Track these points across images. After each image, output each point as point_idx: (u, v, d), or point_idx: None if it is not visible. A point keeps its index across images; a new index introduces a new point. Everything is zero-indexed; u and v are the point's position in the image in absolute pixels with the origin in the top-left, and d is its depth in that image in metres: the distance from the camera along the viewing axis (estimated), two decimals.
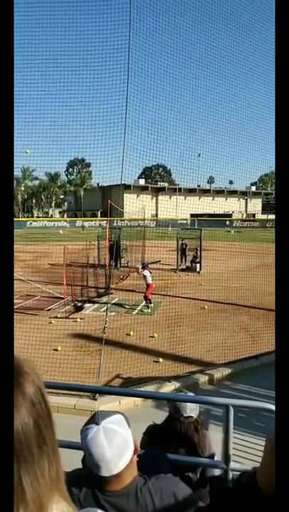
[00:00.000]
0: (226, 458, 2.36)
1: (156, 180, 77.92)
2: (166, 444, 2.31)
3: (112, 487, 1.19)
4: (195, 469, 2.39)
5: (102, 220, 43.88)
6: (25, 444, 0.65)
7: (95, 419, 1.22)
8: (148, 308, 11.46)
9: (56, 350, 7.75)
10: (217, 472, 2.43)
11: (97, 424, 1.19)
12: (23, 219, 56.07)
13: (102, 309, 10.97)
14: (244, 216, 61.26)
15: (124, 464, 1.17)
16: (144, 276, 11.75)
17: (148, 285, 11.64)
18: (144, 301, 11.65)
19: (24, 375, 0.69)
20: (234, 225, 50.57)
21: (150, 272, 11.97)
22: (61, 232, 41.80)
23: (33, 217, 68.02)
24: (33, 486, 0.65)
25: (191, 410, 2.42)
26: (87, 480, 1.24)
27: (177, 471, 1.88)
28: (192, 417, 2.42)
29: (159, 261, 14.23)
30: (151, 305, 11.55)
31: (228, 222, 49.45)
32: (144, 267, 12.08)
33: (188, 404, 2.41)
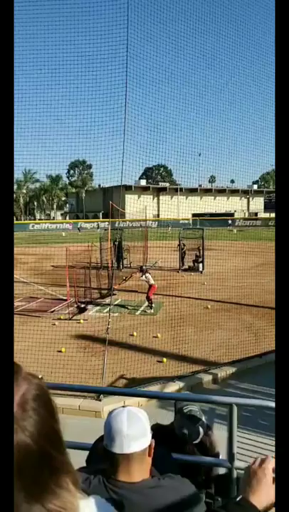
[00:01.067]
0: (231, 456, 2.36)
1: (158, 180, 77.87)
2: (174, 447, 2.30)
3: (121, 476, 1.20)
4: (200, 470, 2.39)
5: (104, 221, 43.88)
6: (42, 488, 0.63)
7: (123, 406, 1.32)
8: (151, 308, 11.46)
9: (60, 351, 7.77)
10: (222, 471, 2.43)
11: (124, 407, 1.29)
12: (26, 222, 56.25)
13: (105, 310, 10.97)
14: (246, 215, 61.10)
15: (137, 449, 1.19)
16: (148, 278, 11.76)
17: (150, 286, 11.64)
18: (147, 302, 11.65)
19: (24, 412, 0.61)
20: (236, 224, 50.45)
21: (150, 273, 11.98)
22: (63, 234, 41.88)
23: (35, 219, 68.24)
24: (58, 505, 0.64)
25: (198, 438, 2.35)
26: (94, 475, 1.24)
27: (184, 473, 1.88)
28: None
29: (156, 262, 14.21)
30: (154, 305, 11.55)
31: (230, 222, 49.33)
32: (142, 271, 12.07)
33: (195, 438, 2.34)
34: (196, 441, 2.38)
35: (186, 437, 2.36)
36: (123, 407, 1.30)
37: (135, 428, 1.22)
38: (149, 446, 1.24)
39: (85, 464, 1.68)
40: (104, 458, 1.25)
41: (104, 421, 1.30)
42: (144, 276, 11.79)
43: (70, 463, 0.72)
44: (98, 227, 46.60)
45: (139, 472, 1.21)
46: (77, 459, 1.61)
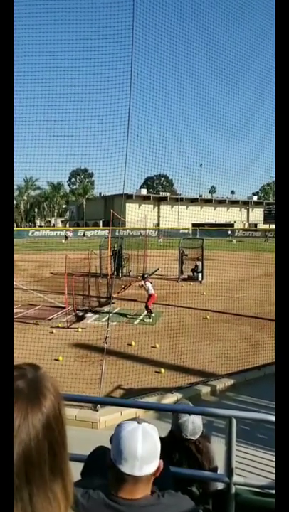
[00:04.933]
0: (229, 471, 2.31)
1: (158, 190, 78.35)
2: (169, 458, 2.28)
3: (123, 494, 1.17)
4: (197, 483, 2.35)
5: (104, 229, 43.87)
6: (37, 465, 0.63)
7: (135, 419, 1.26)
8: (149, 318, 11.40)
9: (57, 360, 7.69)
10: (220, 486, 2.39)
11: (138, 423, 1.22)
12: (26, 228, 56.33)
13: (104, 319, 10.92)
14: (246, 226, 61.30)
15: (147, 472, 1.16)
16: (149, 287, 11.71)
17: (150, 295, 11.60)
18: (146, 311, 11.60)
19: (45, 393, 0.68)
20: (236, 234, 50.58)
21: (151, 283, 11.94)
22: (63, 241, 41.89)
23: (35, 226, 68.38)
24: (44, 507, 0.63)
25: (193, 434, 2.38)
26: (94, 489, 1.21)
27: (179, 485, 1.85)
28: (192, 439, 2.39)
29: (158, 269, 14.17)
30: (153, 315, 11.49)
31: (229, 232, 49.46)
32: (144, 279, 12.04)
33: (191, 427, 2.37)
34: (193, 438, 2.37)
35: (181, 428, 2.36)
36: (138, 422, 1.23)
37: (149, 450, 1.17)
38: (158, 467, 1.21)
39: (79, 477, 1.65)
40: (109, 471, 1.21)
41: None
42: (145, 283, 11.74)
43: (71, 476, 0.72)
44: (84, 235, 46.55)
45: (142, 490, 1.19)
46: (74, 471, 1.58)
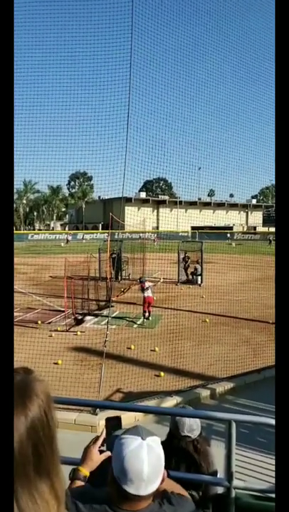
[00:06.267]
0: (229, 475, 2.30)
1: (157, 193, 78.58)
2: (166, 461, 2.27)
3: (127, 507, 1.16)
4: (197, 487, 2.34)
5: (104, 233, 43.95)
6: (21, 465, 0.64)
7: (137, 431, 1.19)
8: (147, 319, 11.40)
9: (56, 363, 7.67)
10: (220, 490, 2.38)
11: (143, 439, 1.15)
12: (25, 232, 56.38)
13: (103, 322, 10.89)
14: (245, 229, 61.44)
15: (153, 490, 1.15)
16: (145, 289, 11.67)
17: (146, 297, 11.56)
18: (148, 313, 11.58)
19: (32, 397, 0.68)
20: (235, 237, 50.69)
21: (150, 284, 11.93)
22: (62, 244, 41.89)
23: (34, 229, 68.45)
24: (29, 506, 0.64)
25: (191, 430, 2.38)
26: (96, 498, 1.21)
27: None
28: (190, 436, 2.39)
29: (160, 280, 14.00)
30: (150, 318, 11.48)
31: (229, 235, 49.57)
32: (141, 282, 11.99)
33: (188, 423, 2.37)
34: (191, 435, 2.36)
35: (178, 425, 2.37)
36: (141, 438, 1.16)
37: (154, 468, 1.13)
38: (162, 479, 1.20)
39: None
40: (111, 483, 1.19)
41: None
42: (144, 284, 11.72)
43: (61, 477, 0.73)
44: (83, 239, 46.97)
45: (146, 502, 1.18)
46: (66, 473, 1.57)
